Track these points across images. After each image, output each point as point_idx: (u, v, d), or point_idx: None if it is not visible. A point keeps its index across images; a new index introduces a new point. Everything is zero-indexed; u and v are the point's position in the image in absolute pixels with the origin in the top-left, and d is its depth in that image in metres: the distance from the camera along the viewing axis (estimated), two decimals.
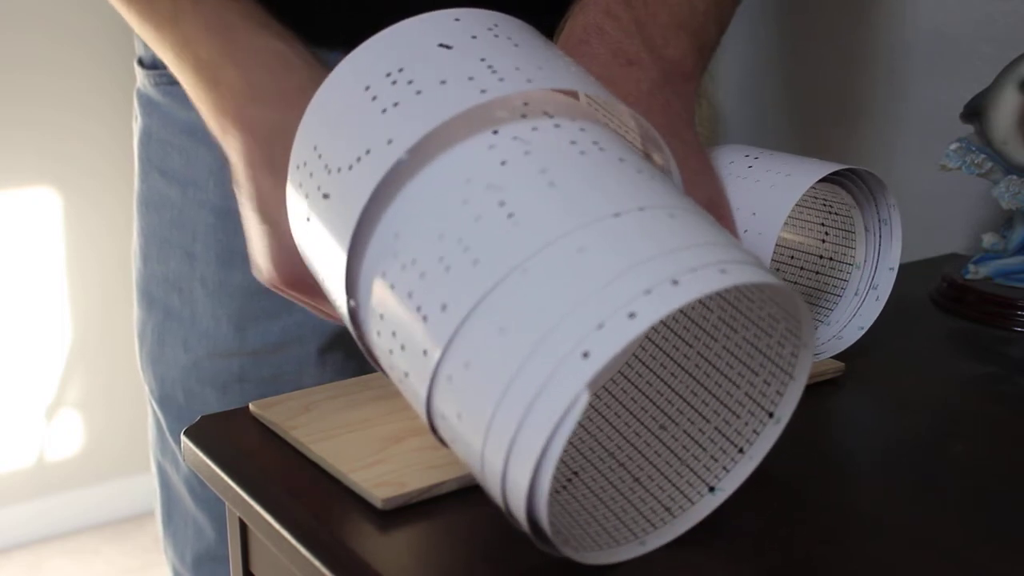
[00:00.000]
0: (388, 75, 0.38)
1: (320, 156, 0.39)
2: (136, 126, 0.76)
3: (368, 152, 0.37)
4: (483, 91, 0.36)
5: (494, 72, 0.37)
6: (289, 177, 0.42)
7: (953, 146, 0.74)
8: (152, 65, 0.73)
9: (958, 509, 0.44)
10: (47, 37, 1.93)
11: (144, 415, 0.79)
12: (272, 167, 0.51)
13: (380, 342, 0.38)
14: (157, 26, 0.55)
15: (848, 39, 1.04)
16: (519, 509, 0.33)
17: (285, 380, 0.73)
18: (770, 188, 0.54)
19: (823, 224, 0.62)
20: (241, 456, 0.49)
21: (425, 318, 0.34)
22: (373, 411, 0.51)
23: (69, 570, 1.97)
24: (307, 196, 0.40)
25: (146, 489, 2.01)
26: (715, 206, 0.53)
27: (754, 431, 0.41)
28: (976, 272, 0.74)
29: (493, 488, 0.34)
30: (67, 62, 1.95)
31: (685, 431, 0.43)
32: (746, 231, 0.54)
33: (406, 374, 0.36)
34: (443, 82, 0.37)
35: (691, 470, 0.41)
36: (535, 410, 0.31)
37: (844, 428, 0.55)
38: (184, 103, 0.71)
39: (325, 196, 0.38)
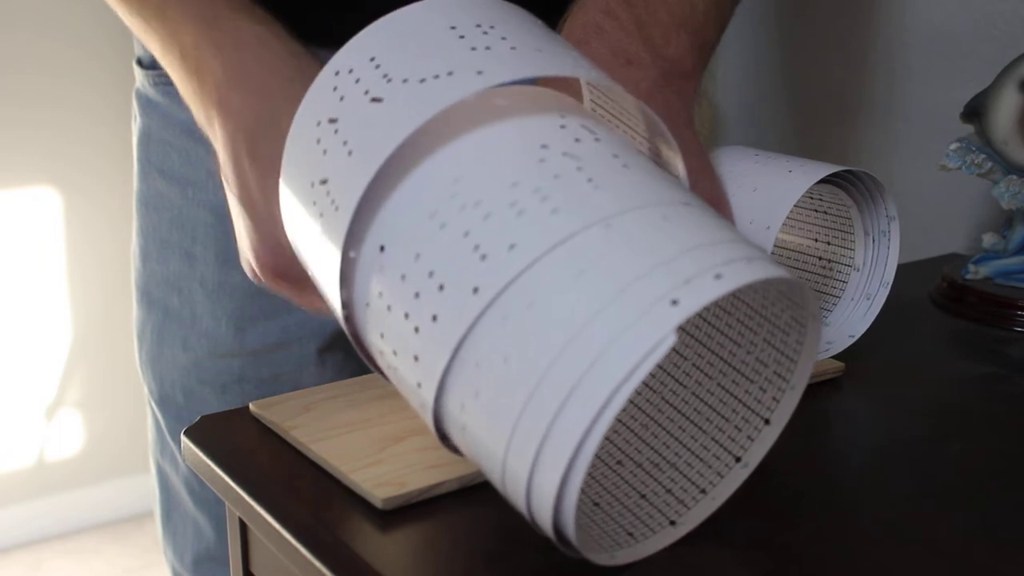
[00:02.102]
0: (479, 26, 0.38)
1: (378, 66, 0.38)
2: (135, 126, 0.76)
3: (450, 74, 0.36)
4: (577, 67, 0.38)
5: (583, 61, 0.39)
6: (318, 80, 0.40)
7: (953, 146, 0.74)
8: (151, 65, 0.73)
9: (958, 509, 0.44)
10: (47, 37, 1.93)
11: (144, 415, 0.79)
12: (256, 156, 0.51)
13: (403, 287, 0.35)
14: (146, 18, 0.55)
15: (848, 39, 1.04)
16: (553, 477, 0.32)
17: (284, 380, 0.73)
18: (769, 189, 0.54)
19: (821, 228, 0.62)
20: (241, 456, 0.49)
21: (484, 256, 0.33)
22: (373, 411, 0.51)
23: (69, 570, 1.97)
24: (342, 98, 0.38)
25: (146, 489, 2.01)
26: (716, 206, 0.53)
27: (718, 474, 0.41)
28: (976, 272, 0.74)
29: (526, 446, 0.32)
30: (67, 62, 1.95)
31: (644, 469, 0.43)
32: (745, 232, 0.54)
33: (434, 317, 0.34)
34: (539, 50, 0.38)
35: (650, 503, 0.41)
36: (618, 347, 0.30)
37: (844, 428, 0.55)
38: (183, 103, 0.71)
39: (375, 100, 0.37)
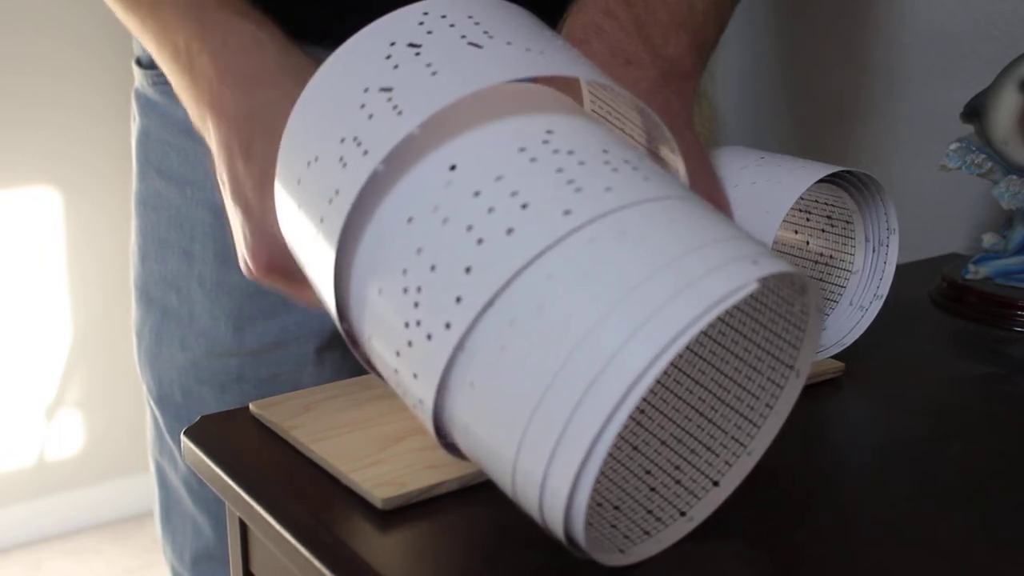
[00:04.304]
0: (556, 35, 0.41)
1: (478, 23, 0.39)
2: (134, 126, 0.76)
3: (542, 52, 0.38)
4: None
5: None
6: (401, 12, 0.40)
7: (953, 146, 0.74)
8: (150, 65, 0.73)
9: (958, 509, 0.44)
10: (47, 37, 1.93)
11: (144, 415, 0.79)
12: (248, 152, 0.51)
13: (473, 202, 0.35)
14: (141, 17, 0.56)
15: (848, 39, 1.04)
16: (575, 456, 0.31)
17: (283, 379, 0.73)
18: (768, 189, 0.54)
19: (820, 226, 0.62)
20: (241, 456, 0.49)
21: (579, 190, 0.34)
22: (373, 411, 0.51)
23: (69, 570, 1.97)
24: (430, 32, 0.38)
25: (146, 489, 2.01)
26: (716, 206, 0.53)
27: (662, 522, 0.40)
28: (976, 272, 0.74)
29: (552, 421, 0.31)
30: (67, 62, 1.95)
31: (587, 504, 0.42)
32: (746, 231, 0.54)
33: (510, 231, 0.34)
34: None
35: (598, 532, 0.40)
36: (711, 278, 0.32)
37: (844, 428, 0.55)
38: (181, 103, 0.71)
39: (473, 44, 0.38)
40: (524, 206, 0.34)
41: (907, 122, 0.99)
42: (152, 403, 0.76)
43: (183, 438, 0.52)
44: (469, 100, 0.37)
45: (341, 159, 0.37)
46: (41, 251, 2.00)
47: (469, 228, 0.34)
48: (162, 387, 0.74)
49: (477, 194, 0.35)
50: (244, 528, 0.51)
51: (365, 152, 0.36)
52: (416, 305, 0.35)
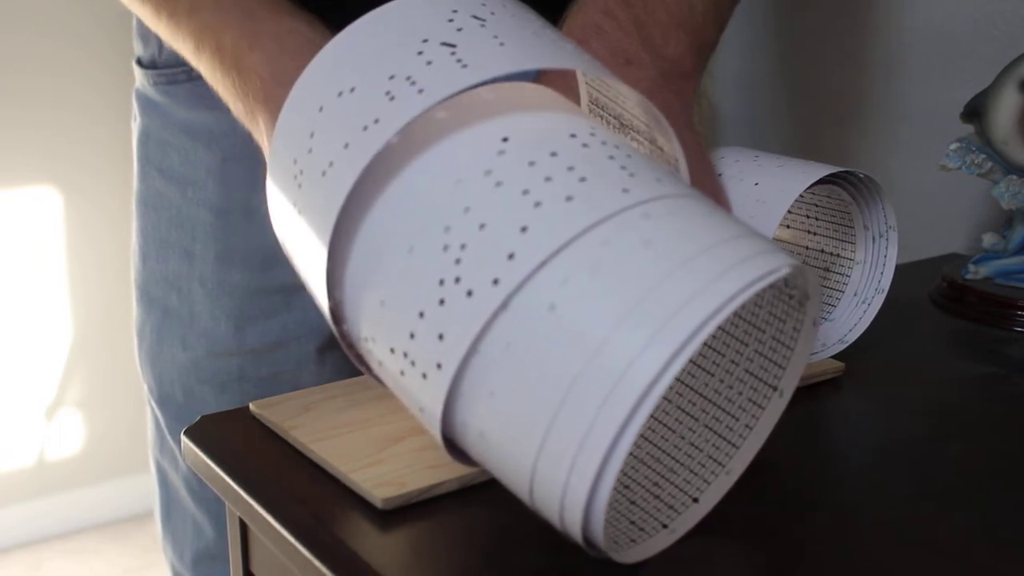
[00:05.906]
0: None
1: (527, 14, 0.40)
2: (135, 126, 0.76)
3: (587, 56, 0.40)
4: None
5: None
6: None
7: (953, 146, 0.74)
8: (151, 65, 0.73)
9: (958, 509, 0.44)
10: (47, 37, 1.93)
11: (144, 415, 0.79)
12: None
13: (528, 171, 0.35)
14: (174, 17, 0.55)
15: (847, 39, 1.04)
16: (596, 454, 0.31)
17: (284, 379, 0.73)
18: (768, 189, 0.54)
19: (820, 226, 0.62)
20: (241, 456, 0.49)
21: (632, 175, 0.35)
22: (373, 411, 0.51)
23: (69, 570, 1.97)
24: (493, 13, 0.39)
25: (146, 489, 2.01)
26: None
27: (645, 532, 0.40)
28: (976, 272, 0.74)
29: (576, 418, 0.31)
30: (67, 62, 1.95)
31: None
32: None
33: (568, 198, 0.34)
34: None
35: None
36: (730, 274, 0.32)
37: (844, 428, 0.55)
38: (183, 103, 0.71)
39: (535, 34, 0.39)
40: (582, 179, 0.35)
41: (907, 122, 0.99)
42: (153, 403, 0.76)
43: (183, 438, 0.52)
44: (514, 91, 0.38)
45: (388, 93, 0.36)
46: (41, 251, 2.00)
47: (525, 192, 0.34)
48: (163, 387, 0.74)
49: (532, 164, 0.35)
50: (244, 528, 0.51)
51: (420, 91, 0.36)
52: (458, 262, 0.34)
